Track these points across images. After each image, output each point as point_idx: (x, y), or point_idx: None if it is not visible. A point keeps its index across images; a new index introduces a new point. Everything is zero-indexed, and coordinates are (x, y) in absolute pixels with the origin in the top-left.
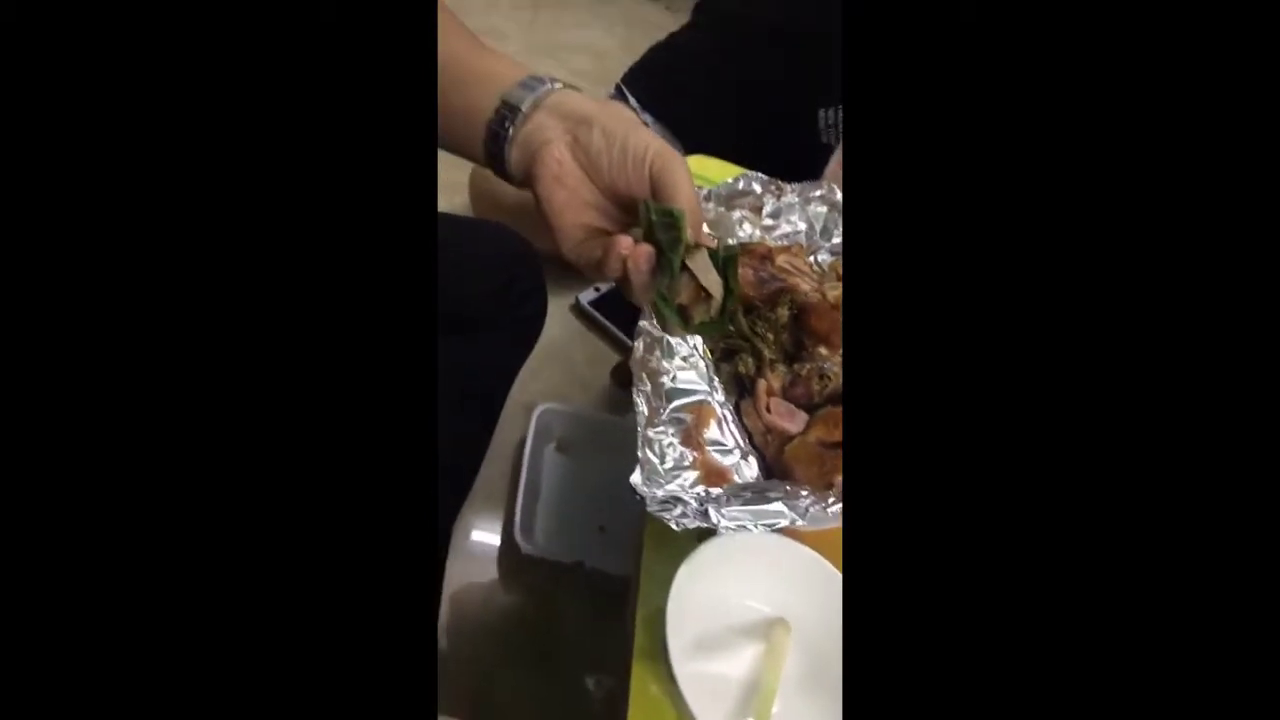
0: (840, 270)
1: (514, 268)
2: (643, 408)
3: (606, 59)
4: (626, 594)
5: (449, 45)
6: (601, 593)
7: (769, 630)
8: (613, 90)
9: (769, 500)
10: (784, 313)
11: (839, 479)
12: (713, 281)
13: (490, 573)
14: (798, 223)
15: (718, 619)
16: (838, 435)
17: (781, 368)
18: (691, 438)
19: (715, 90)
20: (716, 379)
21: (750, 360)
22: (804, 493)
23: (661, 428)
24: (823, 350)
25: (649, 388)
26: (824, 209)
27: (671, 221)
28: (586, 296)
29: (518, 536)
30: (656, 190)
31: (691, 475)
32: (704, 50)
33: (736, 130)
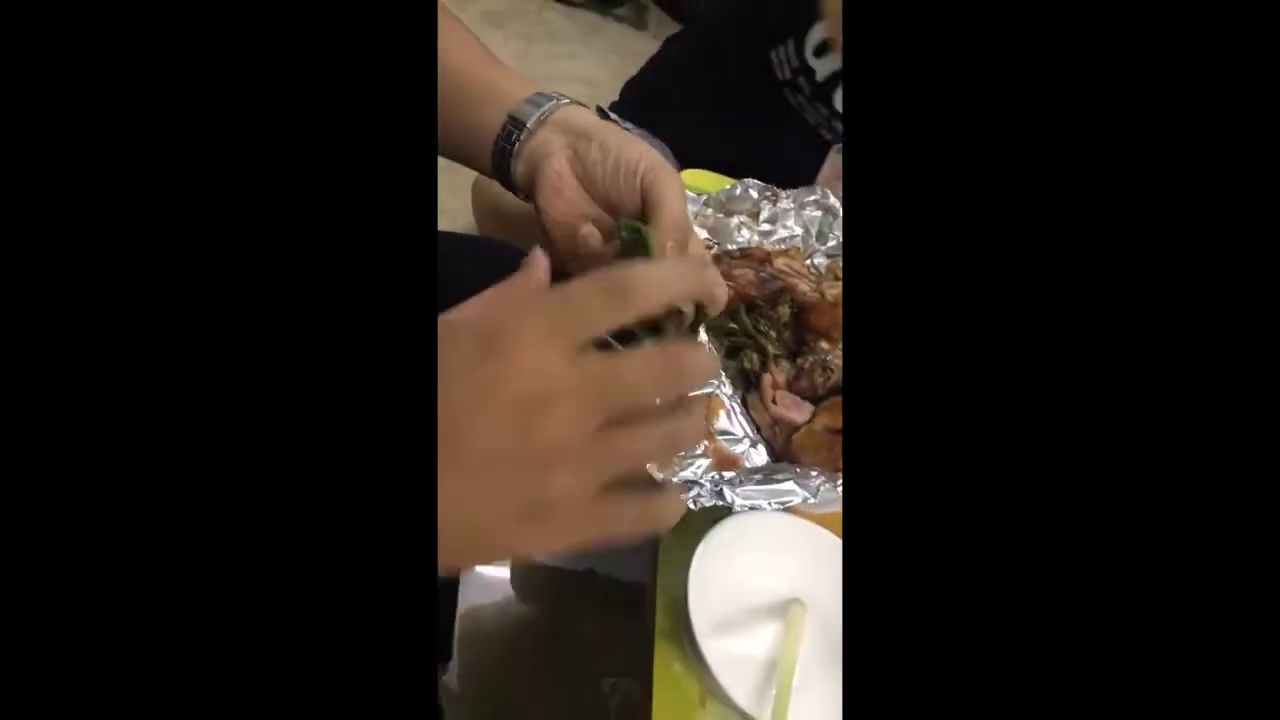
0: (838, 271)
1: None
2: None
3: (599, 88)
4: (639, 599)
5: (460, 58)
6: (613, 599)
7: (786, 610)
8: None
9: (781, 480)
10: (785, 311)
11: None
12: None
13: (503, 581)
14: (794, 227)
15: (736, 600)
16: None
17: (785, 363)
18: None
19: (692, 100)
20: (724, 374)
21: (755, 356)
22: (814, 473)
23: None
24: (824, 345)
25: None
26: (819, 214)
27: (638, 238)
28: None
29: None
30: (644, 203)
31: (704, 463)
32: (677, 63)
33: (723, 137)
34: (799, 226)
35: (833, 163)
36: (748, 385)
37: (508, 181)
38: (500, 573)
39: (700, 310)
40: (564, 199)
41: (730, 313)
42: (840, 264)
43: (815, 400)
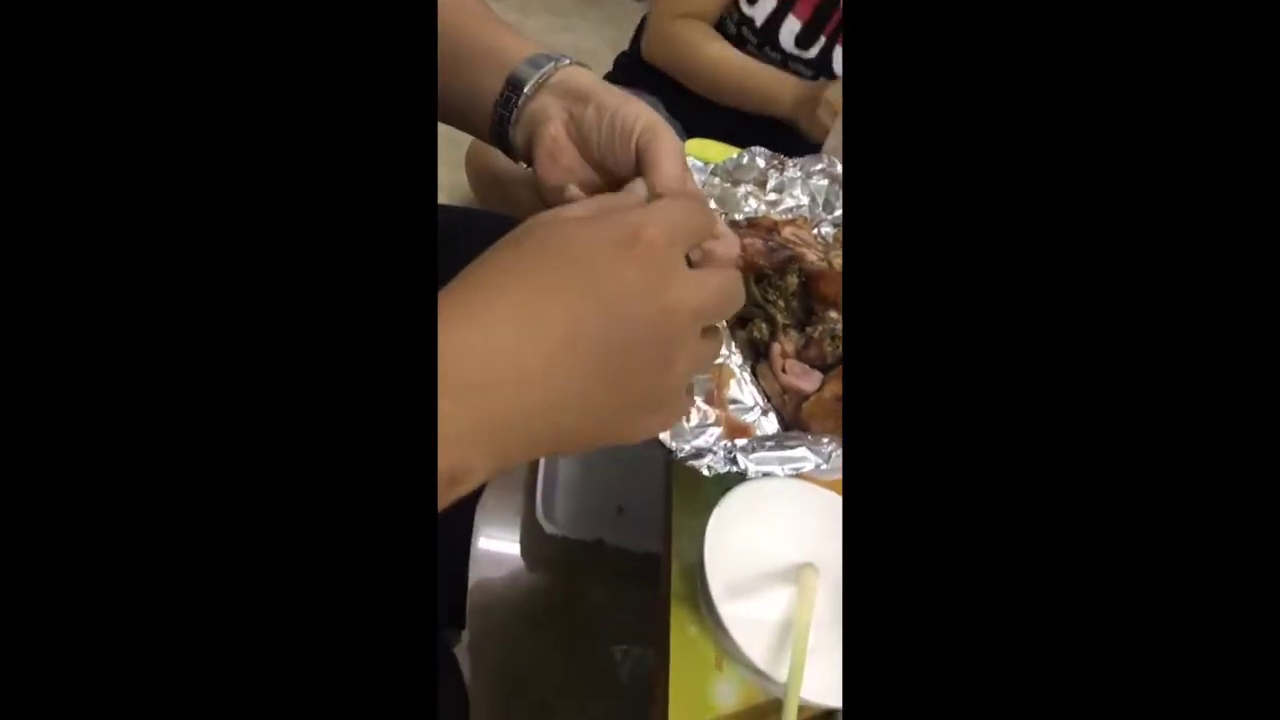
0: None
1: None
2: None
3: (595, 59)
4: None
5: (457, 16)
6: (622, 569)
7: (798, 574)
8: None
9: (793, 447)
10: (793, 280)
11: None
12: None
13: (514, 552)
14: (800, 196)
15: (750, 564)
16: None
17: (794, 332)
18: (714, 398)
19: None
20: (733, 343)
21: (764, 326)
22: (825, 439)
23: None
24: (833, 314)
25: None
26: (825, 182)
27: None
28: None
29: (540, 517)
30: (640, 165)
31: (715, 431)
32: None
33: (706, 103)
34: (805, 195)
35: (838, 130)
36: (757, 355)
37: (507, 148)
38: (510, 547)
39: None
40: (560, 165)
41: None
42: None
43: (824, 369)
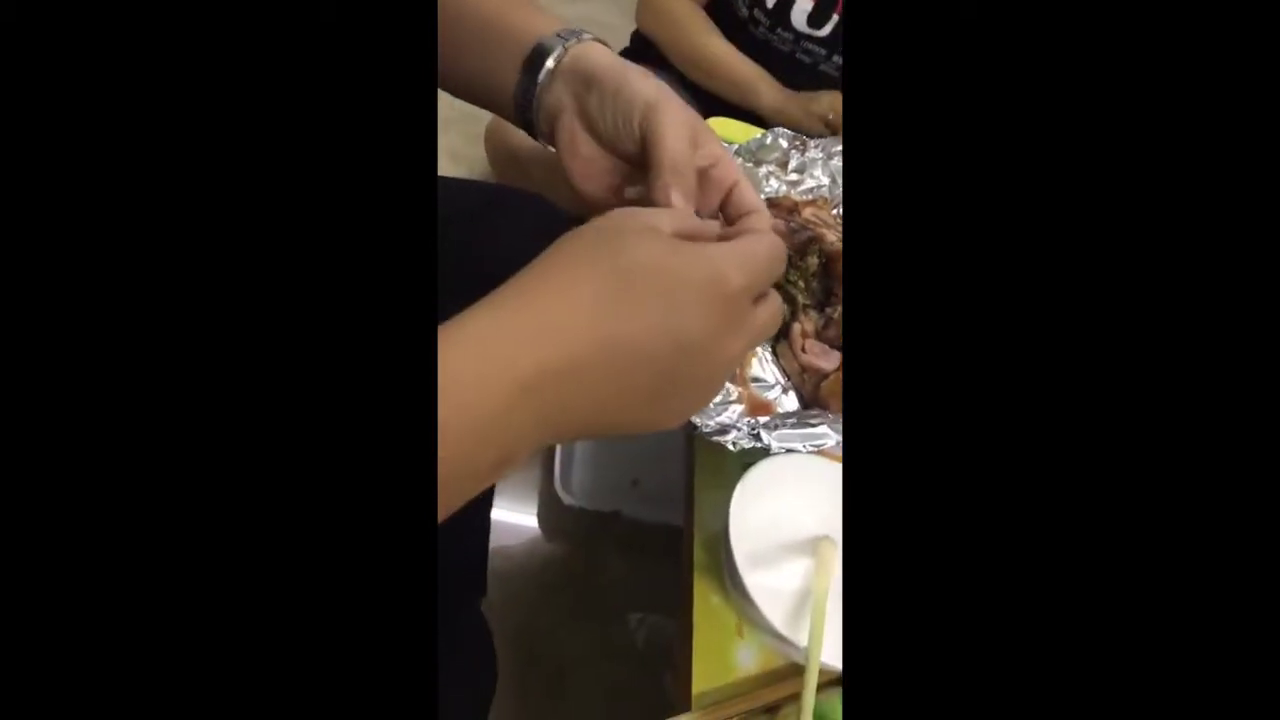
0: None
1: (547, 231)
2: None
3: (610, 33)
4: (663, 540)
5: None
6: (638, 539)
7: (817, 546)
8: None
9: (814, 424)
10: (814, 261)
11: None
12: None
13: (532, 523)
14: (821, 177)
15: (772, 536)
16: None
17: (814, 312)
18: (736, 375)
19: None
20: None
21: (785, 306)
22: None
23: None
24: None
25: None
26: None
27: None
28: None
29: (558, 489)
30: (644, 145)
31: (738, 409)
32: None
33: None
34: (825, 176)
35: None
36: (777, 334)
37: (533, 133)
38: (528, 519)
39: None
40: (580, 156)
41: None
42: None
43: (843, 348)
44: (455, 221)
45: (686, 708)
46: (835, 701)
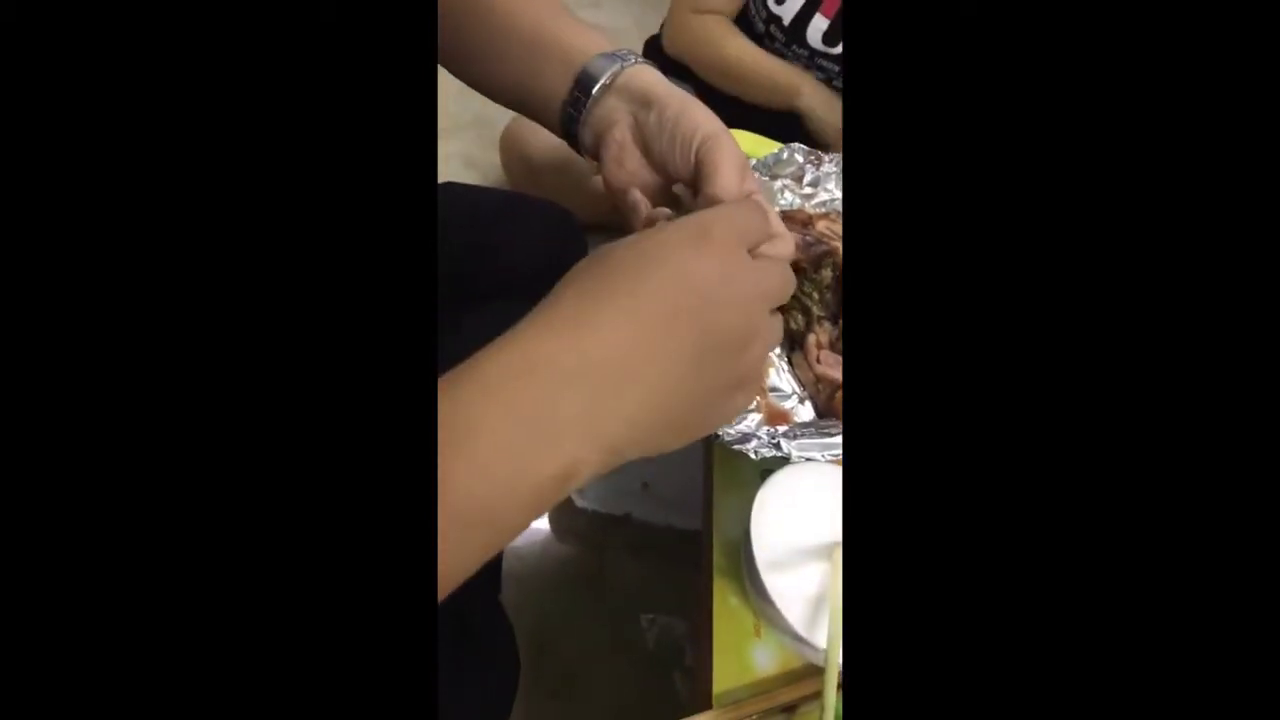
0: None
1: (560, 238)
2: None
3: (621, 39)
4: (671, 542)
5: (529, 6)
6: (649, 542)
7: (833, 552)
8: None
9: (833, 434)
10: (828, 274)
11: None
12: None
13: (544, 524)
14: (835, 191)
15: (790, 541)
16: None
17: (828, 324)
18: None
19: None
20: None
21: (800, 317)
22: None
23: None
24: None
25: None
26: None
27: None
28: None
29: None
30: (699, 173)
31: (756, 417)
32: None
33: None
34: (839, 190)
35: None
36: (792, 345)
37: (575, 144)
38: (539, 520)
39: None
40: (625, 170)
41: None
42: None
43: None
44: (469, 226)
45: (707, 706)
46: None
